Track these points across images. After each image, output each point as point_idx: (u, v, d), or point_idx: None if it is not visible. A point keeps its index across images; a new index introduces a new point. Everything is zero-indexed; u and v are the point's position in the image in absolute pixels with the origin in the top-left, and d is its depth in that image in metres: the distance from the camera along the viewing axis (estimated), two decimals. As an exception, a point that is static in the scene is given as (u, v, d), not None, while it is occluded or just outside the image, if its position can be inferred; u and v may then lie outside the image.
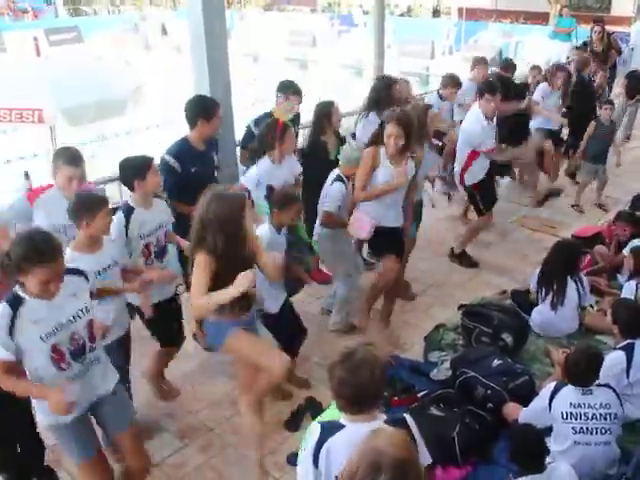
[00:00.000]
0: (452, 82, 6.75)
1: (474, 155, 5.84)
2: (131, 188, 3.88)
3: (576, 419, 3.45)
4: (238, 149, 5.47)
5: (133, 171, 3.83)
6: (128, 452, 3.28)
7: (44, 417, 2.99)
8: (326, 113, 5.34)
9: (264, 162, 4.57)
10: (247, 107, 5.41)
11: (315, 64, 18.72)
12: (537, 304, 5.03)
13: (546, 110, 7.42)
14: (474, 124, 5.81)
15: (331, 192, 4.68)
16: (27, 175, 5.47)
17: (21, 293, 2.76)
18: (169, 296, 4.15)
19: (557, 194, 7.96)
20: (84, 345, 2.95)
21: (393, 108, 4.82)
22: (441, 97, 6.80)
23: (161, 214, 4.05)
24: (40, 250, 2.68)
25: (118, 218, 3.79)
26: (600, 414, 3.46)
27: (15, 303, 2.74)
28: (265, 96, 5.33)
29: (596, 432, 3.45)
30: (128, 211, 3.87)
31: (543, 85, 7.48)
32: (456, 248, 6.31)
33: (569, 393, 3.50)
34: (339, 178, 4.70)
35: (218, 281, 3.21)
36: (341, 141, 5.49)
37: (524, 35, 18.26)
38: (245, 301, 3.38)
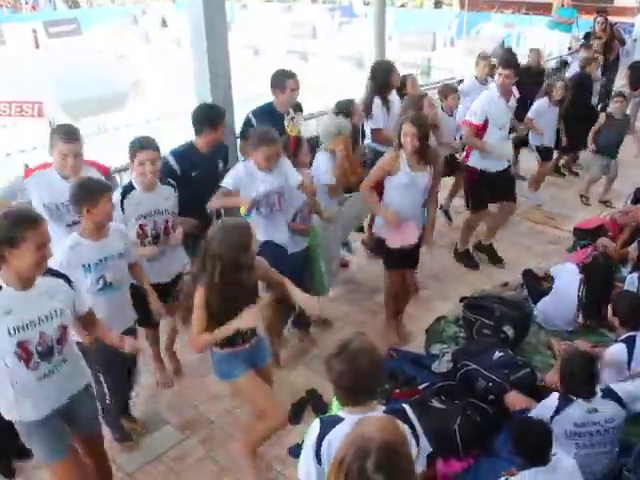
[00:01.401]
0: (448, 89, 6.47)
1: (484, 127, 5.68)
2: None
3: (580, 437, 3.39)
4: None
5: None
6: (91, 453, 3.25)
7: (8, 414, 2.90)
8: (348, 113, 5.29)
9: None
10: (248, 100, 5.35)
11: (316, 56, 18.64)
12: (546, 292, 5.03)
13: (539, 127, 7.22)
14: (485, 97, 5.71)
15: (321, 165, 4.79)
16: (27, 166, 5.45)
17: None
18: (169, 279, 4.19)
19: None
20: (52, 347, 2.84)
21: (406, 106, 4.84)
22: (443, 109, 6.42)
23: (165, 201, 4.04)
24: (26, 216, 2.66)
25: (115, 197, 3.76)
26: (605, 429, 3.40)
27: None
28: (266, 90, 5.27)
29: (599, 445, 3.42)
30: (126, 190, 3.90)
31: (542, 101, 7.20)
32: (459, 247, 6.31)
33: (574, 413, 3.38)
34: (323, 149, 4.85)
35: (219, 311, 3.20)
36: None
37: (526, 26, 18.16)
38: (247, 332, 3.38)
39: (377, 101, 5.76)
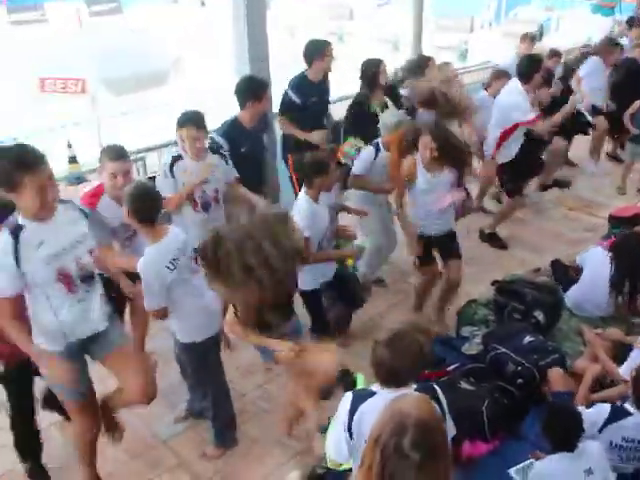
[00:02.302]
0: (500, 73, 6.39)
1: (513, 129, 5.67)
2: None
3: (624, 451, 3.30)
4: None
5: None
6: (128, 370, 3.23)
7: (45, 343, 2.98)
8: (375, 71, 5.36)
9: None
10: (283, 81, 5.38)
11: (352, 38, 18.49)
12: (575, 280, 5.02)
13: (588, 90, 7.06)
14: (514, 95, 5.62)
15: (361, 155, 4.83)
16: (70, 145, 5.59)
17: (19, 220, 2.75)
18: None
19: (566, 185, 7.53)
20: (90, 271, 2.97)
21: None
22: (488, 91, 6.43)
23: (215, 170, 4.11)
24: (27, 156, 2.69)
25: (165, 165, 3.95)
26: None
27: (15, 230, 2.74)
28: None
29: (637, 460, 3.35)
30: (175, 158, 4.01)
31: (594, 59, 7.06)
32: (486, 228, 6.29)
33: (627, 426, 3.25)
34: (375, 144, 4.81)
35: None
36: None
37: (566, 9, 17.77)
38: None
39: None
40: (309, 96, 5.17)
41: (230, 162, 4.30)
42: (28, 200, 2.69)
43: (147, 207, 3.23)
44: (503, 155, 5.87)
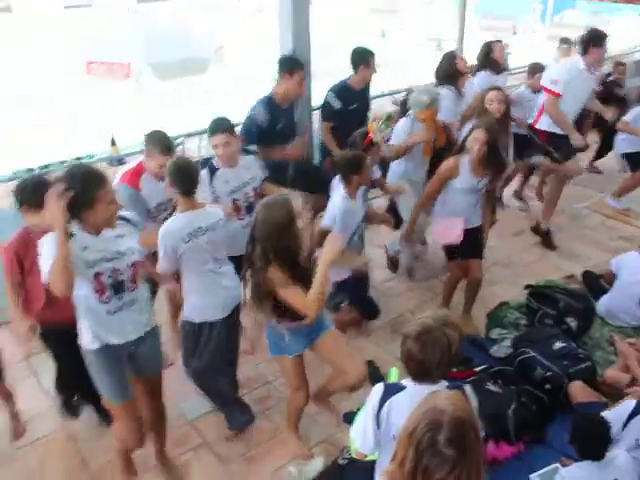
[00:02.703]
0: (536, 67, 6.33)
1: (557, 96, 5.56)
2: None
3: None
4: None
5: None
6: (149, 396, 3.42)
7: (84, 341, 3.08)
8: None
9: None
10: (324, 76, 5.42)
11: (395, 34, 18.43)
12: (607, 290, 4.95)
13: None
14: (567, 66, 5.63)
15: (398, 127, 4.87)
16: (111, 127, 5.69)
17: (72, 230, 2.83)
18: None
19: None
20: (123, 283, 3.04)
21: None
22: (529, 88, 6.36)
23: (249, 171, 4.16)
24: (99, 173, 2.88)
25: (203, 176, 3.93)
26: None
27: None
28: (345, 65, 5.34)
29: None
30: (211, 170, 4.05)
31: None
32: (543, 224, 6.26)
33: None
34: (408, 116, 4.90)
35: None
36: None
37: (614, 15, 17.44)
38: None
39: (445, 92, 5.68)
40: (349, 103, 5.23)
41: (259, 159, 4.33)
42: (98, 215, 2.85)
43: (186, 179, 3.40)
44: (544, 122, 5.78)
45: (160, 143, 3.87)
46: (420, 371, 2.42)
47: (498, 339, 4.67)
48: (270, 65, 4.79)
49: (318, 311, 3.17)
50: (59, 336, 3.51)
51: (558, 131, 5.71)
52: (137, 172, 3.95)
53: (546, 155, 6.05)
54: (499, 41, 6.31)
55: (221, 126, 3.98)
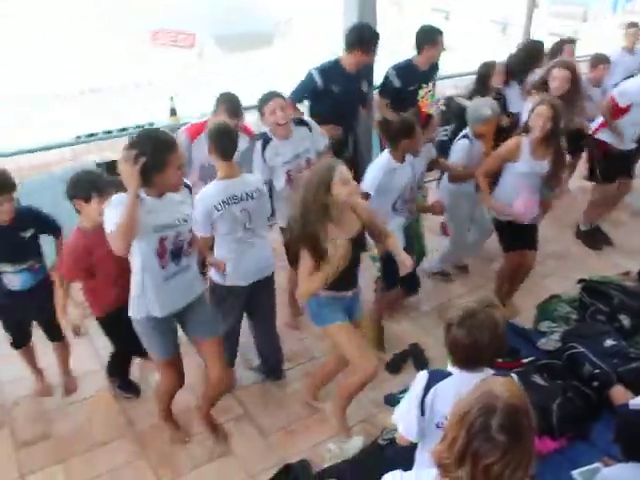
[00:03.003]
0: (598, 59, 6.00)
1: (624, 111, 5.37)
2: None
3: None
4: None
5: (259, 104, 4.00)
6: (209, 359, 3.47)
7: (133, 310, 3.19)
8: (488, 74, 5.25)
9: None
10: (388, 56, 5.34)
11: (459, 16, 18.06)
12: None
13: None
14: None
15: (454, 149, 4.73)
16: (172, 98, 5.75)
17: (141, 194, 2.91)
18: None
19: None
20: (182, 248, 3.12)
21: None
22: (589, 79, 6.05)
23: (303, 143, 4.16)
24: (171, 138, 2.96)
25: (256, 148, 4.04)
26: None
27: None
28: (407, 46, 5.25)
29: None
30: (265, 141, 4.06)
31: None
32: (582, 226, 6.08)
33: None
34: (465, 135, 4.71)
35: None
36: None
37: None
38: (346, 280, 3.36)
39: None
40: (410, 83, 5.09)
41: (316, 130, 4.29)
42: (167, 179, 2.92)
43: (226, 144, 3.44)
44: (604, 134, 5.57)
45: (229, 104, 3.98)
46: (469, 357, 2.39)
47: (547, 332, 4.59)
48: (335, 42, 4.77)
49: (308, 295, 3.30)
50: (116, 319, 3.61)
51: (622, 147, 5.51)
52: (199, 128, 4.08)
53: (590, 173, 5.89)
54: (572, 42, 6.09)
55: (275, 92, 4.02)
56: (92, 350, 4.47)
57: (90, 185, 3.39)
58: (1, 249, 3.49)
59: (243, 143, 4.25)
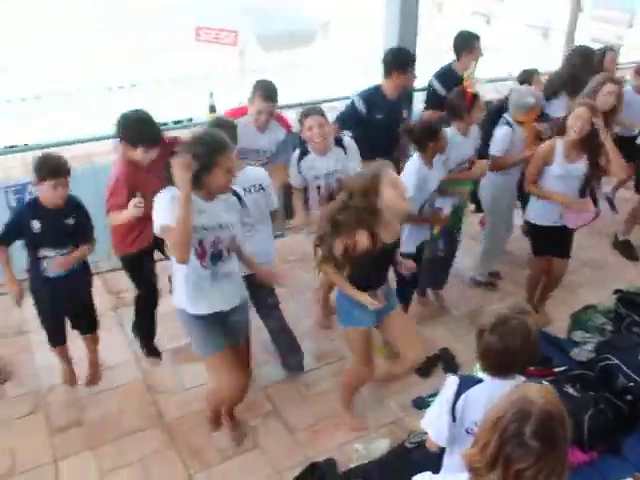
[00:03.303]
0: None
1: None
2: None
3: None
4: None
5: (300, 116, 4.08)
6: (231, 369, 3.35)
7: (178, 301, 3.22)
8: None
9: (450, 133, 4.29)
10: (428, 56, 5.33)
11: (500, 20, 17.86)
12: None
13: None
14: None
15: (495, 136, 4.68)
16: (211, 94, 5.81)
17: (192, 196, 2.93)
18: None
19: None
20: (221, 252, 3.13)
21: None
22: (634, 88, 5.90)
23: (337, 162, 4.18)
24: (222, 140, 2.98)
25: (294, 155, 4.15)
26: None
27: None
28: (446, 48, 5.24)
29: None
30: (302, 152, 4.14)
31: None
32: (620, 236, 5.98)
33: None
34: (506, 122, 4.66)
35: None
36: None
37: None
38: (377, 280, 3.42)
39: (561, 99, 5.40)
40: (453, 88, 5.04)
41: (351, 154, 4.27)
42: (215, 180, 2.95)
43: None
44: None
45: (264, 90, 4.08)
46: (500, 363, 2.37)
47: (581, 342, 4.53)
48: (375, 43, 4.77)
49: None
50: (141, 260, 3.90)
51: None
52: (240, 112, 4.20)
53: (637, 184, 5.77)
54: (613, 50, 5.97)
55: (316, 109, 4.08)
56: (125, 340, 4.56)
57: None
58: (47, 233, 3.55)
59: (279, 134, 4.38)
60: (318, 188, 4.21)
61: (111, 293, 5.07)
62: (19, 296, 3.64)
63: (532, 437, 1.63)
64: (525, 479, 1.63)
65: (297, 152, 4.17)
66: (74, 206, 3.66)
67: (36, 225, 3.51)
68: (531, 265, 4.84)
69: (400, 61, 4.61)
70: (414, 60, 4.69)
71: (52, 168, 3.43)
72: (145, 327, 4.36)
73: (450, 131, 4.29)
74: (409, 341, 3.59)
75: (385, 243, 3.23)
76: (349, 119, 4.67)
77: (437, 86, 5.14)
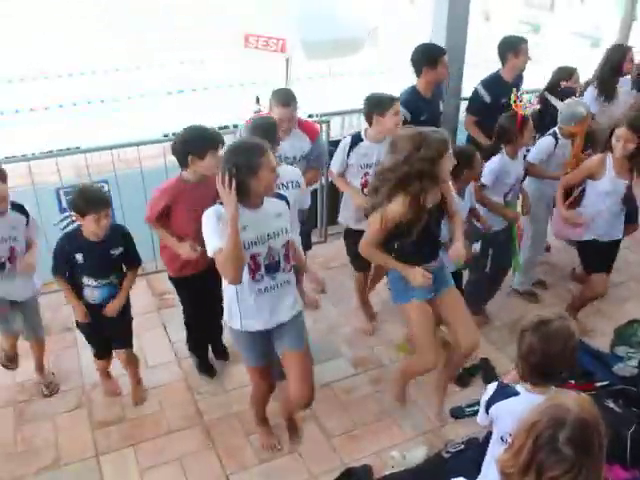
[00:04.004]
0: None
1: None
2: (369, 122, 4.12)
3: None
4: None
5: (374, 106, 4.06)
6: (294, 373, 3.32)
7: (229, 321, 3.22)
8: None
9: (501, 158, 4.33)
10: (476, 66, 5.30)
11: (549, 29, 17.59)
12: None
13: None
14: None
15: (539, 144, 4.69)
16: (258, 99, 5.89)
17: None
18: None
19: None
20: (279, 262, 3.09)
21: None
22: None
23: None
24: (258, 142, 2.97)
25: (344, 142, 4.16)
26: None
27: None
28: (493, 57, 5.20)
29: None
30: (355, 140, 4.16)
31: None
32: None
33: None
34: (552, 133, 4.65)
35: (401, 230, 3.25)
36: None
37: None
38: (429, 251, 3.44)
39: (589, 92, 5.39)
40: (500, 96, 4.96)
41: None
42: (262, 182, 2.89)
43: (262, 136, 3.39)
44: None
45: (280, 95, 4.10)
46: (539, 366, 2.36)
47: (624, 357, 4.43)
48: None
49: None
50: (192, 284, 3.83)
51: None
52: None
53: None
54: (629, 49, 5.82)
55: (394, 98, 4.10)
56: (166, 340, 4.65)
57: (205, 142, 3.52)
58: (90, 264, 3.58)
59: (303, 143, 4.33)
60: (365, 176, 4.20)
61: (155, 294, 5.17)
62: (84, 316, 3.73)
63: (566, 444, 1.62)
64: None
65: (347, 139, 4.19)
66: (120, 235, 3.67)
67: (79, 258, 3.54)
68: (588, 283, 4.69)
69: (428, 55, 4.61)
70: (443, 52, 4.65)
71: (92, 201, 3.41)
72: (196, 346, 4.38)
73: (501, 157, 4.30)
74: (465, 325, 3.57)
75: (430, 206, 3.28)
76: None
77: (482, 92, 5.11)
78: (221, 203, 2.90)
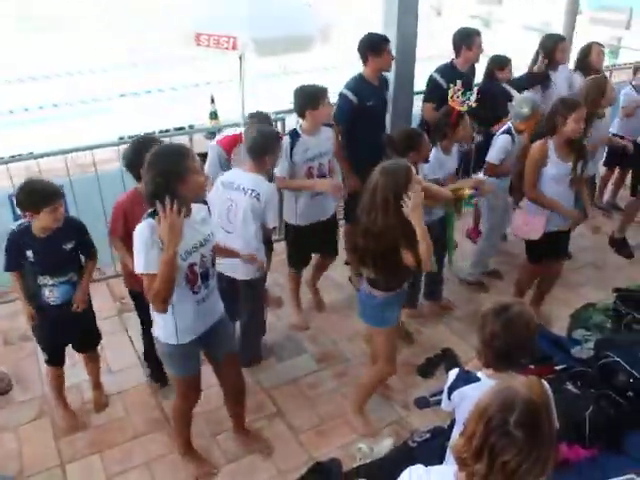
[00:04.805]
0: None
1: None
2: (302, 116, 4.18)
3: None
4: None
5: (306, 104, 4.12)
6: (229, 373, 3.44)
7: (163, 336, 3.08)
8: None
9: (435, 151, 4.35)
10: (429, 60, 5.36)
11: (499, 24, 17.89)
12: None
13: None
14: None
15: (496, 143, 4.77)
16: (212, 99, 5.86)
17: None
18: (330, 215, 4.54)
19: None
20: (208, 269, 3.03)
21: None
22: (635, 88, 6.03)
23: (326, 142, 4.31)
24: (180, 147, 2.92)
25: (285, 141, 4.13)
26: None
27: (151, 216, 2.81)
28: (444, 52, 5.28)
29: None
30: (293, 138, 4.20)
31: None
32: (616, 232, 6.02)
33: None
34: (507, 130, 4.75)
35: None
36: None
37: None
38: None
39: None
40: (454, 82, 5.04)
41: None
42: (190, 186, 2.76)
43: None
44: None
45: (258, 120, 4.09)
46: (505, 350, 2.40)
47: (581, 340, 4.55)
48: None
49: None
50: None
51: None
52: (234, 140, 4.17)
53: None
54: (600, 45, 5.90)
55: (323, 88, 4.17)
56: (129, 345, 4.60)
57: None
58: (42, 261, 3.45)
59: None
60: (310, 170, 4.29)
61: (115, 298, 5.12)
62: (31, 317, 3.64)
63: (516, 427, 1.64)
64: (509, 469, 1.64)
65: (286, 138, 4.18)
66: (72, 228, 3.54)
67: (30, 255, 3.42)
68: (525, 271, 4.81)
69: (372, 44, 4.67)
70: (387, 41, 4.71)
71: (47, 193, 3.30)
72: (150, 356, 4.22)
73: (435, 151, 4.34)
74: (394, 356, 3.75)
75: None
76: (345, 113, 4.70)
77: (438, 78, 5.15)
78: (151, 215, 2.80)
